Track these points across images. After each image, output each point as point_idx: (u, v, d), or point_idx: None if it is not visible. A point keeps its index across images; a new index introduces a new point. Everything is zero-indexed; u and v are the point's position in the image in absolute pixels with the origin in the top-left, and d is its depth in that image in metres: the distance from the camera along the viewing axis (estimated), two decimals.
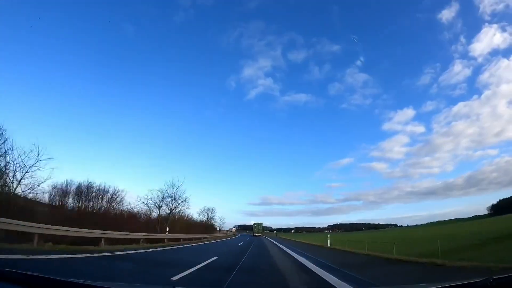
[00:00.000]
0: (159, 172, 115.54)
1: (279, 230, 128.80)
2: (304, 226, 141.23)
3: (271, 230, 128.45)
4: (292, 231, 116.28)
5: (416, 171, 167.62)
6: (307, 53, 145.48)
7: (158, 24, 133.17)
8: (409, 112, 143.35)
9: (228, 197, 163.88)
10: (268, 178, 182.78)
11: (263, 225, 77.30)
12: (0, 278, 1.77)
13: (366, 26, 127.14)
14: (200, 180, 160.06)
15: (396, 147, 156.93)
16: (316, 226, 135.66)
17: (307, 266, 8.43)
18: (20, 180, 13.29)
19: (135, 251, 10.81)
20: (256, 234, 64.20)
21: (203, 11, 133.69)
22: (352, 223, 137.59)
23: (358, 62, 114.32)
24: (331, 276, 6.11)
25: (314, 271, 7.20)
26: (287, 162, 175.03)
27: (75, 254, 7.55)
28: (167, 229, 22.71)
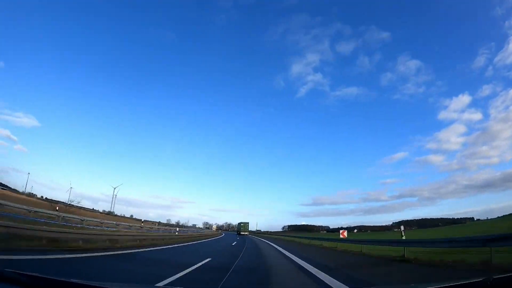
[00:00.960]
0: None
1: (335, 229, 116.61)
2: (364, 224, 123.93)
3: (328, 230, 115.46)
4: (355, 230, 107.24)
5: (473, 162, 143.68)
6: (356, 43, 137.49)
7: (199, 28, 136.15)
8: (465, 99, 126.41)
9: (279, 198, 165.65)
10: (320, 178, 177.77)
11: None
12: (0, 278, 1.77)
13: (415, 8, 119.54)
14: (251, 183, 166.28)
15: (452, 137, 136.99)
16: (377, 224, 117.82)
17: None
18: None
19: None
20: (242, 233, 68.05)
21: (245, 11, 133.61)
22: (424, 219, 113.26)
23: (409, 48, 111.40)
24: None
25: None
26: (339, 160, 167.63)
27: None
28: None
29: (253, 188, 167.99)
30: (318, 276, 6.20)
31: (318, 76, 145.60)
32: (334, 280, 5.52)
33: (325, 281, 5.55)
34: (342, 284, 5.14)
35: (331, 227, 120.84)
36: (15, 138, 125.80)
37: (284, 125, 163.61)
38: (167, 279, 4.97)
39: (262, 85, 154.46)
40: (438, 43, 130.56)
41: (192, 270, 6.46)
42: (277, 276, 6.50)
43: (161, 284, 4.61)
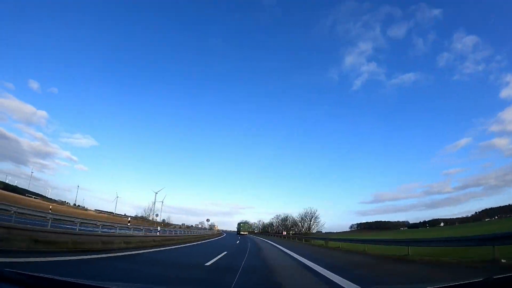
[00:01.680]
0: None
1: (416, 225, 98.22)
2: (437, 218, 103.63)
3: (408, 225, 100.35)
4: (442, 224, 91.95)
5: None
6: (408, 25, 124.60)
7: (244, 28, 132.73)
8: None
9: (339, 198, 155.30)
10: (379, 173, 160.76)
11: None
12: (0, 278, 1.77)
13: None
14: (309, 184, 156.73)
15: None
16: (452, 217, 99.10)
17: None
18: None
19: None
20: (242, 233, 70.02)
21: (290, 7, 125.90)
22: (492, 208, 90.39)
23: (463, 23, 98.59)
24: None
25: None
26: (398, 153, 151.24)
27: None
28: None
29: (311, 189, 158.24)
30: None
31: (373, 65, 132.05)
32: None
33: None
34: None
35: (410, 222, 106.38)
36: (75, 158, 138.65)
37: (339, 122, 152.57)
38: None
39: (314, 82, 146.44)
40: (492, 14, 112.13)
41: None
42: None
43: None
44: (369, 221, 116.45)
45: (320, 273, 6.72)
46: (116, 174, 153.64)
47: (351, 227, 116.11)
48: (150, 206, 75.35)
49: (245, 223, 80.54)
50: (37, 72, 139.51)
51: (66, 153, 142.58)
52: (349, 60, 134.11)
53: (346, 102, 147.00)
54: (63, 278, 1.90)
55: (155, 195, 76.24)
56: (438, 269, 7.49)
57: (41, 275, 1.86)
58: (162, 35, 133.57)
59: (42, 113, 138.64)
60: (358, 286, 4.90)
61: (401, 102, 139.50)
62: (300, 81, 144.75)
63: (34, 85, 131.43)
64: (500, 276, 1.68)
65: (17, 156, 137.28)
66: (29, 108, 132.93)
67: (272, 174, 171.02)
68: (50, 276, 1.87)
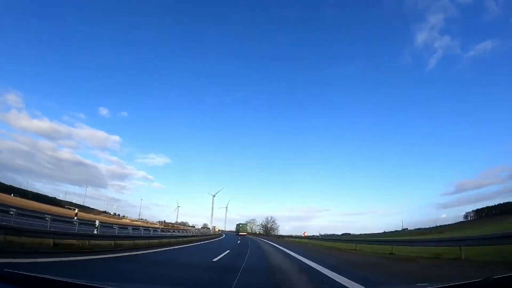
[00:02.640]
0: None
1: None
2: None
3: None
4: None
5: None
6: None
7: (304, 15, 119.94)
8: None
9: (419, 191, 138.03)
10: (460, 159, 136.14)
11: None
12: (0, 278, 1.77)
13: None
14: (383, 179, 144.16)
15: None
16: None
17: None
18: None
19: None
20: (241, 233, 69.51)
21: None
22: None
23: None
24: None
25: None
26: (480, 132, 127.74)
27: None
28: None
29: (386, 185, 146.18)
30: None
31: (447, 39, 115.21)
32: None
33: None
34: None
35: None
36: (151, 177, 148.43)
37: (414, 108, 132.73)
38: None
39: (385, 65, 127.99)
40: None
41: None
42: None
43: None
44: (489, 205, 75.39)
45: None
46: (189, 187, 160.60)
47: (466, 216, 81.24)
48: (221, 216, 71.35)
49: (244, 224, 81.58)
50: (105, 99, 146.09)
51: (142, 173, 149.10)
52: (421, 37, 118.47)
53: (420, 84, 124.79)
54: (63, 278, 1.90)
55: (213, 199, 70.66)
56: None
57: (41, 275, 1.86)
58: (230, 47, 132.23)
59: (115, 137, 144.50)
60: (362, 286, 4.92)
61: (479, 76, 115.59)
62: (370, 65, 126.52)
63: (104, 111, 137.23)
64: (500, 276, 1.68)
65: (96, 181, 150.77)
66: (101, 134, 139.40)
67: (348, 174, 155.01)
68: (49, 277, 1.87)
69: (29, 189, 70.21)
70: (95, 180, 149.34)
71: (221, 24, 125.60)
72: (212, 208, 70.15)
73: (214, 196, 70.88)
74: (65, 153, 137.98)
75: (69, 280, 1.88)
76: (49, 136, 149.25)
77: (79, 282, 1.86)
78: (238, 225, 79.14)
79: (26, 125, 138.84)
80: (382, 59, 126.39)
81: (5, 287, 1.71)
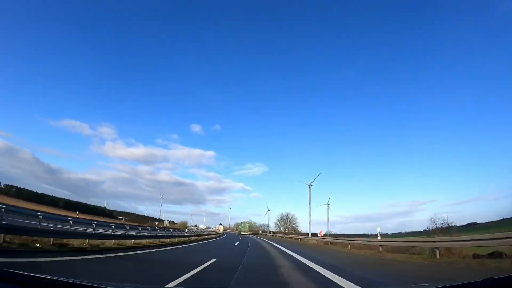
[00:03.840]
0: None
1: None
2: None
3: None
4: None
5: None
6: None
7: None
8: None
9: None
10: None
11: None
12: (0, 278, 1.77)
13: None
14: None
15: None
16: None
17: None
18: None
19: None
20: (243, 233, 69.62)
21: None
22: None
23: None
24: None
25: None
26: None
27: None
28: None
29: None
30: None
31: None
32: None
33: None
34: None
35: None
36: (249, 188, 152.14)
37: None
38: None
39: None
40: None
41: None
42: None
43: None
44: None
45: None
46: (287, 192, 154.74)
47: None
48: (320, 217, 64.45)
49: (246, 223, 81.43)
50: (197, 114, 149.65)
51: (240, 185, 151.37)
52: None
53: None
54: (63, 278, 1.90)
55: (309, 189, 50.39)
56: None
57: (41, 275, 1.86)
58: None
59: (210, 153, 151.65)
60: (358, 287, 4.92)
61: None
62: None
63: (196, 128, 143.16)
64: (500, 276, 1.68)
65: (196, 198, 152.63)
66: (196, 152, 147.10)
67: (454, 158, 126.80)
68: (49, 276, 1.87)
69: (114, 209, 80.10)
70: (194, 197, 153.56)
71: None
72: (310, 202, 51.16)
73: (311, 185, 51.74)
74: (163, 175, 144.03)
75: (69, 280, 1.88)
76: (146, 161, 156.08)
77: (79, 282, 1.86)
78: (239, 224, 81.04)
79: (122, 154, 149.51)
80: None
81: (5, 287, 1.71)
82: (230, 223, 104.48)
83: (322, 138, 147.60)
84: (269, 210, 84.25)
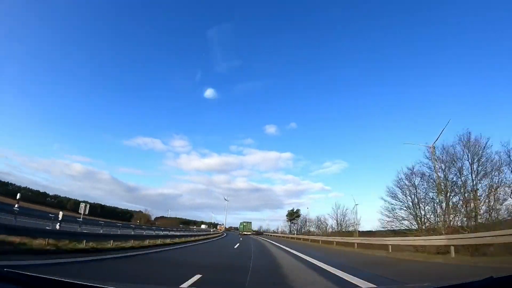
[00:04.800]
0: None
1: None
2: None
3: None
4: None
5: None
6: None
7: None
8: None
9: None
10: None
11: None
12: (0, 278, 1.77)
13: None
14: None
15: None
16: None
17: None
18: None
19: None
20: (245, 233, 64.61)
21: None
22: None
23: None
24: None
25: None
26: None
27: None
28: None
29: None
30: None
31: None
32: None
33: None
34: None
35: None
36: (328, 187, 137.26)
37: None
38: None
39: None
40: None
41: None
42: None
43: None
44: None
45: None
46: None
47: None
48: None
49: (248, 223, 73.30)
50: (271, 114, 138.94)
51: (319, 185, 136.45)
52: None
53: None
54: (63, 278, 1.90)
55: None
56: None
57: (41, 275, 1.86)
58: None
59: (286, 154, 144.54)
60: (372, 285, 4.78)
61: None
62: None
63: (271, 129, 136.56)
64: (500, 276, 1.68)
65: (274, 203, 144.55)
66: (272, 154, 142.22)
67: None
68: (50, 276, 1.87)
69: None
70: (272, 202, 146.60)
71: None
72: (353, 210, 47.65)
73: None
74: (239, 183, 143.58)
75: (69, 280, 1.89)
76: (221, 170, 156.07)
77: (79, 282, 1.86)
78: (241, 223, 75.03)
79: (197, 165, 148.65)
80: None
81: (6, 287, 1.71)
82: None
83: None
84: (356, 205, 68.85)
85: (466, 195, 15.33)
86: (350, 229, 37.21)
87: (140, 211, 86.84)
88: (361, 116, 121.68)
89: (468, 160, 15.63)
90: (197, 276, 5.71)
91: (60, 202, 66.24)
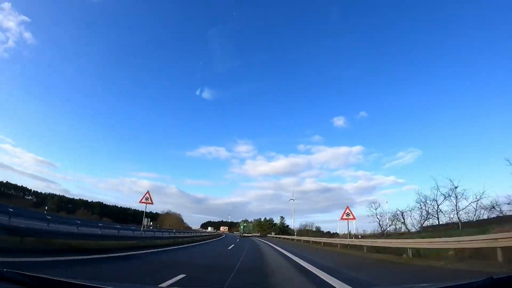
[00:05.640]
0: None
1: None
2: None
3: None
4: None
5: None
6: None
7: None
8: None
9: None
10: None
11: None
12: (0, 278, 1.77)
13: None
14: None
15: None
16: None
17: None
18: None
19: None
20: (246, 235, 55.51)
21: None
22: None
23: None
24: None
25: None
26: None
27: None
28: None
29: None
30: None
31: None
32: None
33: None
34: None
35: None
36: (401, 180, 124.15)
37: None
38: None
39: None
40: None
41: None
42: None
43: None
44: None
45: None
46: None
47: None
48: None
49: (250, 223, 63.95)
50: (340, 104, 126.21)
51: (391, 179, 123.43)
52: None
53: None
54: (63, 278, 1.91)
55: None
56: None
57: (41, 275, 1.87)
58: None
59: (356, 148, 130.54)
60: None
61: None
62: None
63: (339, 122, 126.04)
64: (500, 276, 1.68)
65: (344, 202, 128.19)
66: (342, 150, 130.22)
67: None
68: (50, 276, 1.87)
69: None
70: (343, 201, 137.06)
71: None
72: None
73: None
74: (308, 184, 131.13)
75: (69, 280, 1.89)
76: (289, 172, 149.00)
77: (79, 282, 1.86)
78: (241, 222, 67.27)
79: (264, 170, 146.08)
80: None
81: (6, 287, 1.71)
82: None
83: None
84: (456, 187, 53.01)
85: None
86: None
87: (167, 212, 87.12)
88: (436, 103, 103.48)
89: None
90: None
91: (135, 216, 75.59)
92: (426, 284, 3.92)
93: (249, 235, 52.54)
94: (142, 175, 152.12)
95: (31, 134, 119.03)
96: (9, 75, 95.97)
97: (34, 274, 1.86)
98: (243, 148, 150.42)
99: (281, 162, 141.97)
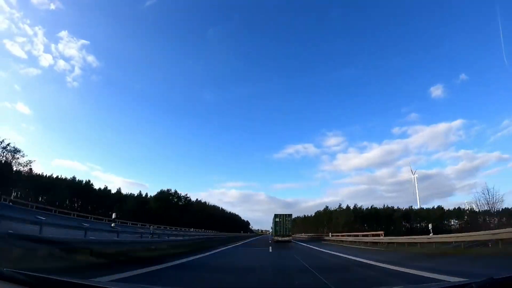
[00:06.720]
0: None
1: None
2: None
3: None
4: None
5: None
6: None
7: None
8: None
9: None
10: None
11: None
12: (0, 278, 1.78)
13: None
14: None
15: None
16: None
17: None
18: None
19: None
20: (280, 239, 27.78)
21: None
22: None
23: None
24: None
25: None
26: None
27: None
28: None
29: None
30: None
31: None
32: None
33: None
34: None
35: None
36: (506, 156, 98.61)
37: None
38: None
39: None
40: None
41: None
42: None
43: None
44: None
45: None
46: None
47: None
48: None
49: (289, 218, 27.30)
50: (436, 71, 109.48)
51: (494, 155, 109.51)
52: None
53: None
54: (63, 278, 1.91)
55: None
56: None
57: (41, 275, 1.87)
58: None
59: (456, 123, 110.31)
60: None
61: None
62: None
63: (436, 92, 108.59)
64: (500, 276, 1.68)
65: (442, 190, 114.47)
66: (440, 127, 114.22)
67: None
68: (50, 276, 1.87)
69: None
70: (441, 189, 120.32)
71: None
72: None
73: None
74: (405, 174, 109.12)
75: (69, 280, 1.89)
76: (383, 162, 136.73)
77: (79, 282, 1.86)
78: (274, 217, 31.72)
79: (356, 163, 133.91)
80: None
81: (6, 287, 1.71)
82: None
83: None
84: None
85: None
86: None
87: None
88: None
89: None
90: None
91: None
92: (426, 284, 3.91)
93: (287, 238, 29.39)
94: (229, 185, 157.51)
95: (117, 160, 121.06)
96: (83, 103, 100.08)
97: (34, 274, 1.85)
98: (332, 141, 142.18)
99: (374, 152, 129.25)
